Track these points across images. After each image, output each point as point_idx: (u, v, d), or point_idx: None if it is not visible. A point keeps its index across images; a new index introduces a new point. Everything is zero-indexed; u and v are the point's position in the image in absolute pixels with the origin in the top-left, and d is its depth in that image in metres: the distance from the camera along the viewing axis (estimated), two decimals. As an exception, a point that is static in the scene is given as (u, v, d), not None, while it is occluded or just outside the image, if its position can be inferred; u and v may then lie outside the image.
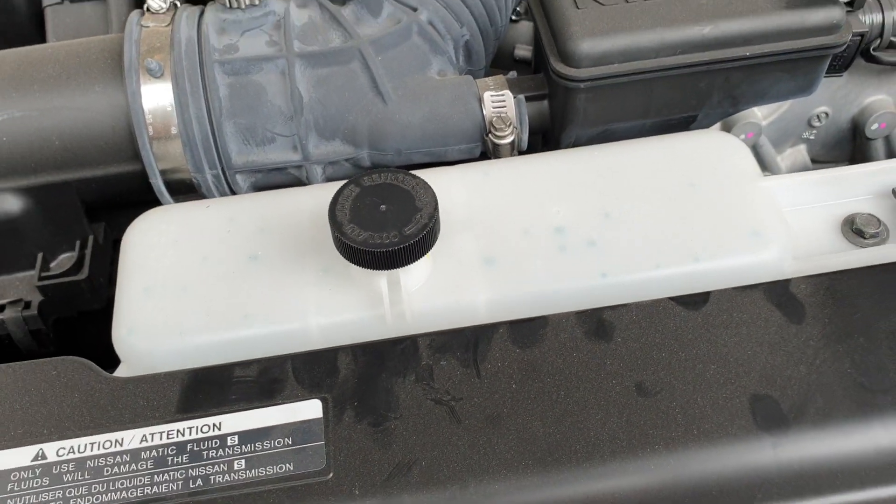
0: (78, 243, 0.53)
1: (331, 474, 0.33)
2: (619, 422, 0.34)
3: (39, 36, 0.60)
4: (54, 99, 0.50)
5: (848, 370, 0.35)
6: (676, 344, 0.36)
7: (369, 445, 0.33)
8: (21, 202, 0.52)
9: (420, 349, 0.36)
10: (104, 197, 0.54)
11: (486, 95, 0.52)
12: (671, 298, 0.38)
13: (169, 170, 0.51)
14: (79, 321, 0.55)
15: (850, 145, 0.72)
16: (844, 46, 0.51)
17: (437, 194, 0.41)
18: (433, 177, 0.45)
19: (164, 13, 0.52)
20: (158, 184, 0.52)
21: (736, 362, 0.35)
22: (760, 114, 0.66)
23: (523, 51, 0.69)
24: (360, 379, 0.35)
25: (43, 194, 0.52)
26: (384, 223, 0.40)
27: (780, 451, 0.33)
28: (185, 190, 0.53)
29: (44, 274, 0.52)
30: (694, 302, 0.37)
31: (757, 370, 0.35)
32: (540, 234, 0.44)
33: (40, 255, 0.53)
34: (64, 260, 0.54)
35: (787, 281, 0.38)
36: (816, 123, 0.69)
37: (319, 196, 0.45)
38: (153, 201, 0.53)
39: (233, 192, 0.54)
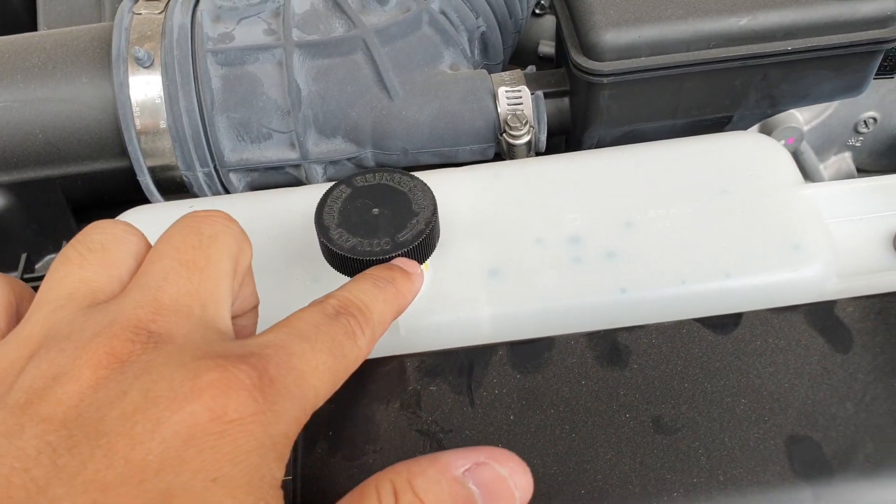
0: (64, 243, 0.50)
1: (299, 514, 0.29)
2: (633, 463, 0.29)
3: (32, 24, 0.58)
4: (38, 90, 0.47)
5: (903, 410, 0.30)
6: (702, 373, 0.31)
7: (343, 482, 0.29)
8: (3, 199, 0.49)
9: (407, 372, 0.32)
10: (92, 195, 0.50)
11: (501, 91, 0.48)
12: (697, 320, 0.33)
13: (158, 167, 0.48)
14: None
15: (901, 154, 0.67)
16: (899, 41, 0.46)
17: (440, 197, 0.37)
18: (437, 178, 0.41)
19: (158, 0, 0.49)
20: (147, 181, 0.48)
21: (771, 397, 0.30)
22: (802, 118, 0.61)
23: (547, 47, 0.65)
24: (336, 404, 0.31)
25: (26, 191, 0.49)
26: (376, 228, 0.36)
27: None
28: (176, 189, 0.50)
29: (27, 276, 0.49)
30: (723, 324, 0.33)
31: (795, 407, 0.30)
32: (553, 244, 0.40)
33: (24, 256, 0.50)
34: (49, 261, 0.51)
35: (832, 302, 0.33)
36: (863, 129, 0.64)
37: (313, 197, 0.42)
38: (144, 201, 0.49)
39: (227, 192, 0.50)
